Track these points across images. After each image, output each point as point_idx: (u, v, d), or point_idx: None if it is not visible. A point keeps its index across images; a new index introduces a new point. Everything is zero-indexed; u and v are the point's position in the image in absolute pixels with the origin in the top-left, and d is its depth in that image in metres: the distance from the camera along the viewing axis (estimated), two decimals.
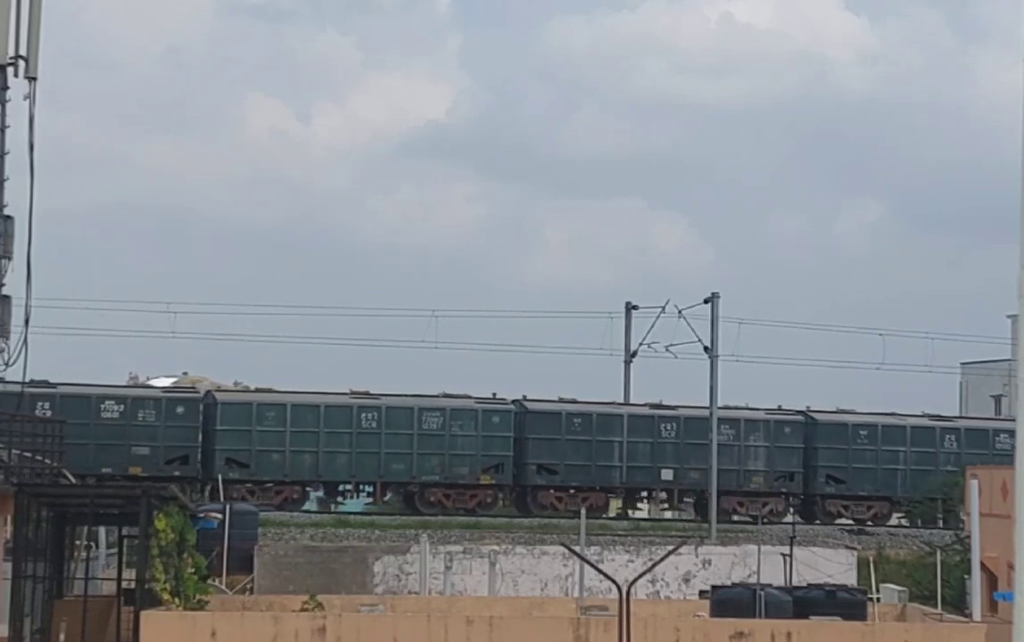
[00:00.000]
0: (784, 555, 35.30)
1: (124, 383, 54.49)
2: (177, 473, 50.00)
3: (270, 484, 51.24)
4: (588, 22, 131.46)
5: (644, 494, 55.69)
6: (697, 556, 39.32)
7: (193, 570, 25.72)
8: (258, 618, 24.55)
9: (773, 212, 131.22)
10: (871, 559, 32.42)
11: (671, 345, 55.75)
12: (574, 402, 53.99)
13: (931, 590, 31.68)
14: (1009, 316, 64.58)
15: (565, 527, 47.29)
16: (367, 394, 52.69)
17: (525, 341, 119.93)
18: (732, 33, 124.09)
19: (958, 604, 32.50)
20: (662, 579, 38.27)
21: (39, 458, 32.18)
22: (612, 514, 54.88)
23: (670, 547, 34.36)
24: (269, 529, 43.49)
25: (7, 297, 33.02)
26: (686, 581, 38.57)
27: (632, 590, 20.66)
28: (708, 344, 52.18)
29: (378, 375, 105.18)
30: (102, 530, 35.04)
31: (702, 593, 32.14)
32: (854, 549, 41.39)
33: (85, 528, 32.27)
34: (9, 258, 32.64)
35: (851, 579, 36.26)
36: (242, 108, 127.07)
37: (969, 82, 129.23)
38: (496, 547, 38.55)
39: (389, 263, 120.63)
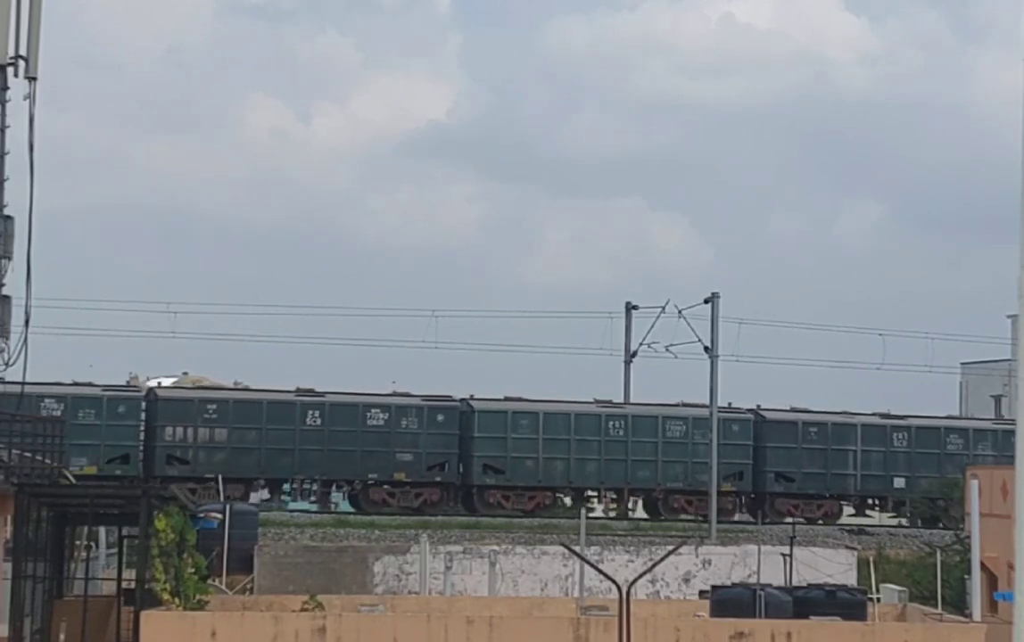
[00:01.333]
0: (784, 555, 35.32)
1: (386, 392, 54.48)
2: (438, 479, 52.28)
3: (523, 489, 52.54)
4: (588, 22, 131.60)
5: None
6: (697, 556, 39.33)
7: (193, 570, 25.70)
8: (258, 618, 24.54)
9: (773, 212, 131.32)
10: (871, 559, 32.41)
11: (671, 345, 55.82)
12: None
13: (931, 590, 31.67)
14: (1009, 316, 64.52)
15: (565, 527, 47.29)
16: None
17: (525, 341, 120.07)
18: (732, 33, 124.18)
19: (958, 604, 32.49)
20: (662, 579, 38.28)
21: (39, 458, 32.15)
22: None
23: (670, 547, 34.37)
24: (269, 529, 43.51)
25: (7, 297, 32.99)
26: (686, 581, 38.59)
27: (632, 590, 20.66)
28: (708, 344, 52.18)
29: (378, 375, 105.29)
30: (102, 530, 35.05)
31: (702, 593, 32.13)
32: (854, 549, 41.41)
33: (85, 528, 32.28)
34: (9, 258, 32.61)
35: (851, 579, 36.27)
36: (242, 108, 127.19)
37: (969, 82, 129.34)
38: (496, 547, 38.56)
39: (389, 263, 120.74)
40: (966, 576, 30.54)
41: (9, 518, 27.67)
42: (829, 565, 37.44)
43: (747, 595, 25.74)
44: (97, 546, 35.49)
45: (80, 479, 41.65)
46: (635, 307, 60.94)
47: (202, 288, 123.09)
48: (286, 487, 52.92)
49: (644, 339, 58.94)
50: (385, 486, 52.14)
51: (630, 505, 54.68)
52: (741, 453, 54.32)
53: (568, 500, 55.16)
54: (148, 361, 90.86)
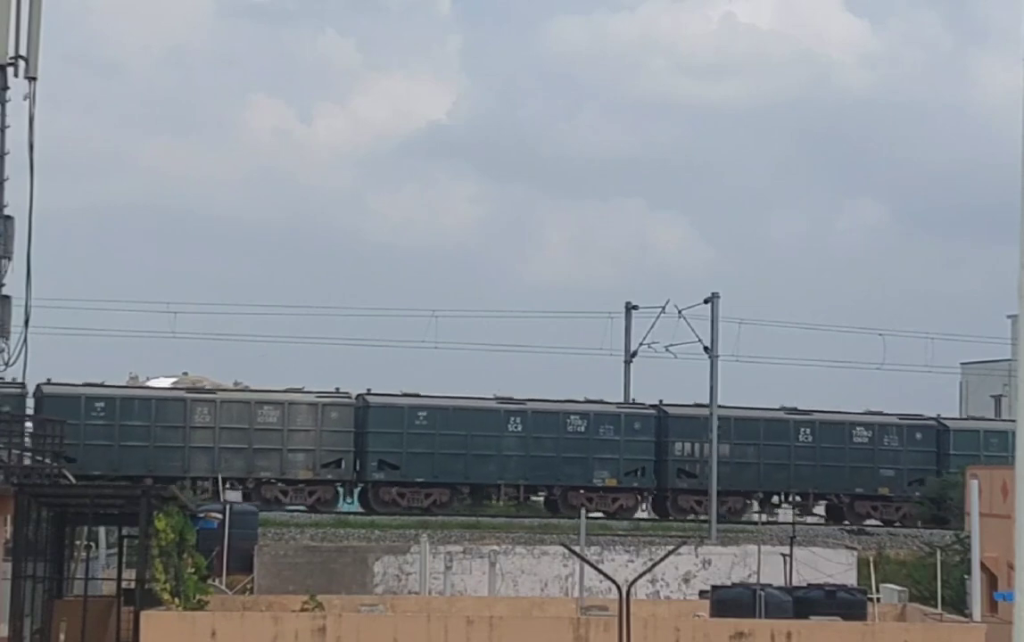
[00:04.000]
0: (784, 555, 35.33)
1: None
2: (635, 485, 53.90)
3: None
4: (588, 22, 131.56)
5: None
6: (697, 556, 39.31)
7: (193, 570, 25.71)
8: (258, 618, 24.55)
9: (773, 212, 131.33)
10: (871, 559, 32.39)
11: (671, 345, 55.67)
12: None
13: (931, 590, 31.65)
14: (1009, 316, 64.57)
15: (565, 527, 47.29)
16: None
17: (525, 341, 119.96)
18: (734, 33, 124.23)
19: (958, 604, 32.47)
20: (662, 579, 38.26)
21: (39, 458, 32.16)
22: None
23: (670, 547, 34.39)
24: (269, 529, 43.51)
25: (7, 297, 33.03)
26: (686, 581, 38.56)
27: (632, 590, 20.65)
28: (708, 344, 52.14)
29: (378, 375, 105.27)
30: (102, 530, 35.05)
31: (702, 593, 32.11)
32: (854, 549, 41.40)
33: (85, 528, 32.27)
34: (9, 258, 32.65)
35: (851, 579, 36.25)
36: (244, 109, 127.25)
37: (969, 83, 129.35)
38: (496, 547, 38.53)
39: (389, 263, 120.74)
40: (966, 576, 30.53)
41: (9, 518, 27.68)
42: (829, 565, 37.42)
43: (747, 595, 25.74)
44: (97, 546, 35.49)
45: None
46: (635, 307, 60.89)
47: (202, 288, 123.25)
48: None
49: (644, 339, 58.90)
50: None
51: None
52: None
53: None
54: (148, 361, 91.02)
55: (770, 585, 27.60)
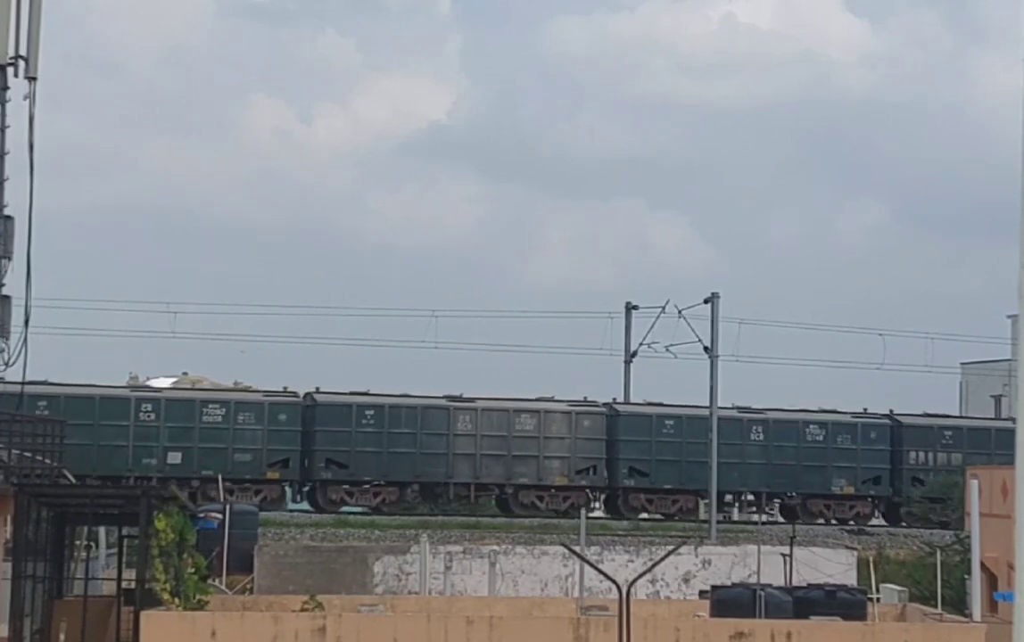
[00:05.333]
0: (784, 555, 35.33)
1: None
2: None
3: None
4: (588, 22, 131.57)
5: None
6: (697, 556, 39.28)
7: (193, 570, 25.70)
8: (258, 618, 24.54)
9: (774, 212, 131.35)
10: (871, 559, 32.38)
11: (671, 345, 55.72)
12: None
13: (931, 590, 31.65)
14: (1009, 316, 64.60)
15: (565, 527, 47.30)
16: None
17: (525, 341, 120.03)
18: (734, 34, 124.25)
19: (958, 604, 32.47)
20: (662, 579, 38.24)
21: (39, 458, 32.15)
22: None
23: (670, 547, 34.37)
24: (269, 529, 43.50)
25: (7, 297, 33.02)
26: (686, 581, 38.53)
27: (632, 590, 20.65)
28: (708, 344, 52.13)
29: (379, 375, 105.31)
30: (102, 530, 35.04)
31: (702, 593, 32.10)
32: (854, 549, 41.37)
33: (85, 528, 32.27)
34: (9, 258, 32.64)
35: (851, 579, 36.23)
36: (244, 109, 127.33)
37: (969, 82, 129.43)
38: (496, 547, 38.51)
39: (389, 263, 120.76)
40: (966, 576, 30.52)
41: (9, 518, 27.69)
42: (829, 565, 37.40)
43: (747, 595, 25.73)
44: (97, 546, 35.49)
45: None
46: (635, 307, 60.92)
47: (202, 288, 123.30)
48: None
49: (644, 339, 58.97)
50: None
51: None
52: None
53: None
54: (148, 361, 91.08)
55: (770, 585, 27.59)
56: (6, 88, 32.79)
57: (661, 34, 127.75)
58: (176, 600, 25.05)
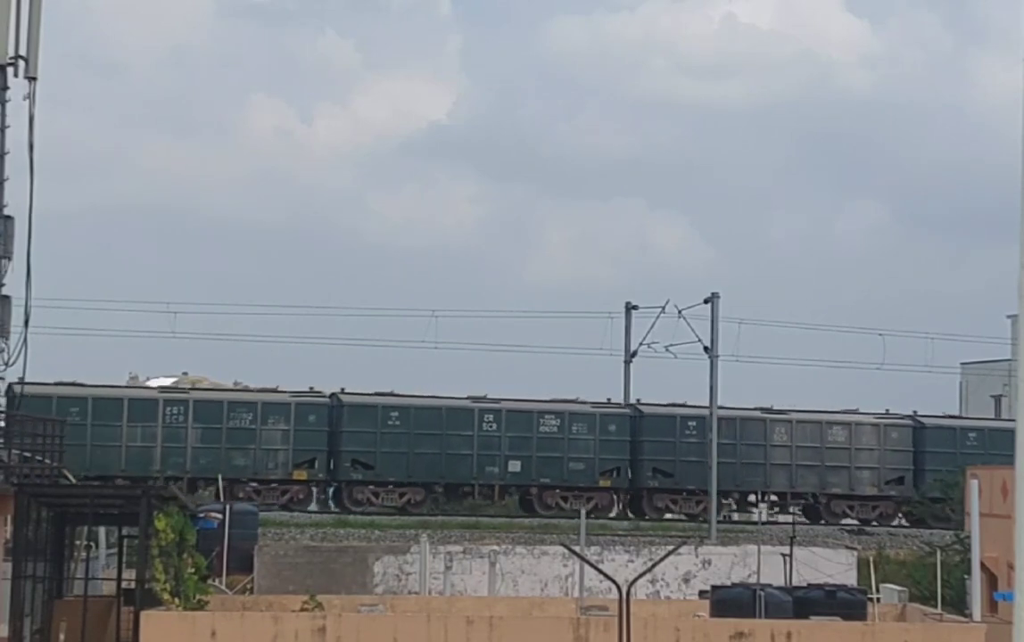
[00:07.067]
0: (784, 555, 35.33)
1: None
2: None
3: None
4: (588, 22, 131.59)
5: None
6: (697, 556, 39.28)
7: (193, 570, 25.71)
8: (258, 618, 24.54)
9: (774, 212, 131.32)
10: (871, 559, 32.41)
11: (671, 345, 55.58)
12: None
13: (931, 590, 31.66)
14: (1009, 316, 64.54)
15: (565, 527, 47.29)
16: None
17: (525, 341, 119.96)
18: (734, 34, 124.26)
19: (958, 604, 32.48)
20: (662, 579, 38.25)
21: (39, 458, 32.15)
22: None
23: (670, 547, 34.36)
24: (269, 529, 43.50)
25: (7, 297, 33.04)
26: (686, 581, 38.54)
27: (632, 590, 20.65)
28: (708, 344, 52.11)
29: (378, 375, 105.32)
30: (102, 530, 35.04)
31: (702, 593, 32.11)
32: (854, 549, 41.38)
33: (85, 528, 32.26)
34: (9, 258, 32.66)
35: (851, 579, 36.24)
36: (244, 109, 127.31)
37: (969, 83, 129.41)
38: (496, 547, 38.52)
39: (389, 263, 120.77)
40: (966, 576, 30.54)
41: (9, 518, 27.69)
42: (829, 565, 37.41)
43: (747, 595, 25.74)
44: (97, 546, 35.49)
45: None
46: (635, 307, 60.81)
47: (202, 288, 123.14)
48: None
49: (644, 339, 58.81)
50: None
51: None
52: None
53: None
54: (148, 361, 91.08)
55: (770, 585, 27.60)
56: (6, 88, 32.81)
57: (661, 34, 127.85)
58: (176, 600, 25.05)
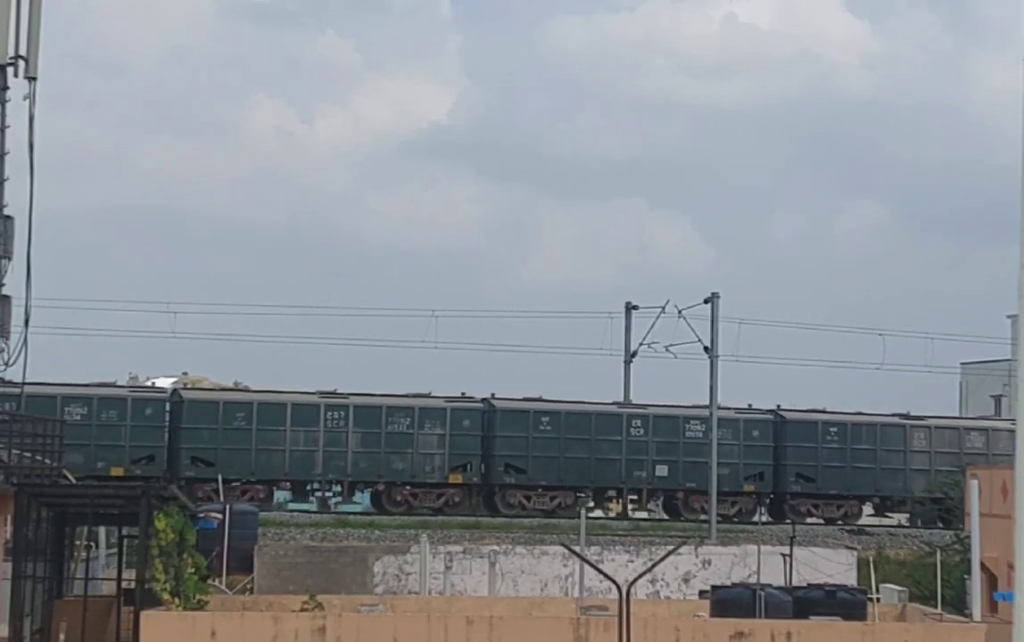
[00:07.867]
0: (784, 555, 35.32)
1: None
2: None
3: None
4: (588, 22, 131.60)
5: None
6: (697, 556, 39.27)
7: (193, 570, 25.71)
8: (258, 618, 24.54)
9: (774, 212, 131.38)
10: (871, 559, 32.41)
11: (671, 345, 55.63)
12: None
13: (931, 590, 31.68)
14: (1009, 316, 64.53)
15: (565, 527, 47.29)
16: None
17: (525, 341, 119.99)
18: (734, 34, 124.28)
19: (958, 604, 32.50)
20: (662, 579, 38.24)
21: (39, 458, 32.15)
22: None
23: (670, 547, 34.35)
24: (269, 529, 43.51)
25: (7, 297, 33.03)
26: (686, 581, 38.53)
27: (632, 590, 20.65)
28: (708, 344, 52.10)
29: (379, 375, 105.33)
30: (102, 530, 35.03)
31: (702, 593, 32.11)
32: (854, 549, 41.37)
33: (85, 528, 32.26)
34: (9, 258, 32.66)
35: (851, 579, 36.23)
36: (245, 109, 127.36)
37: (969, 83, 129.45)
38: (496, 547, 38.51)
39: (389, 263, 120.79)
40: (966, 576, 30.55)
41: (9, 518, 27.68)
42: (829, 565, 37.40)
43: (747, 595, 25.74)
44: (97, 546, 35.48)
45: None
46: (635, 307, 60.86)
47: (202, 288, 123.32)
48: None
49: (644, 339, 58.88)
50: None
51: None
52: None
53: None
54: (148, 361, 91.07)
55: (770, 585, 27.59)
56: (6, 88, 32.80)
57: (661, 34, 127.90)
58: (176, 600, 25.05)
